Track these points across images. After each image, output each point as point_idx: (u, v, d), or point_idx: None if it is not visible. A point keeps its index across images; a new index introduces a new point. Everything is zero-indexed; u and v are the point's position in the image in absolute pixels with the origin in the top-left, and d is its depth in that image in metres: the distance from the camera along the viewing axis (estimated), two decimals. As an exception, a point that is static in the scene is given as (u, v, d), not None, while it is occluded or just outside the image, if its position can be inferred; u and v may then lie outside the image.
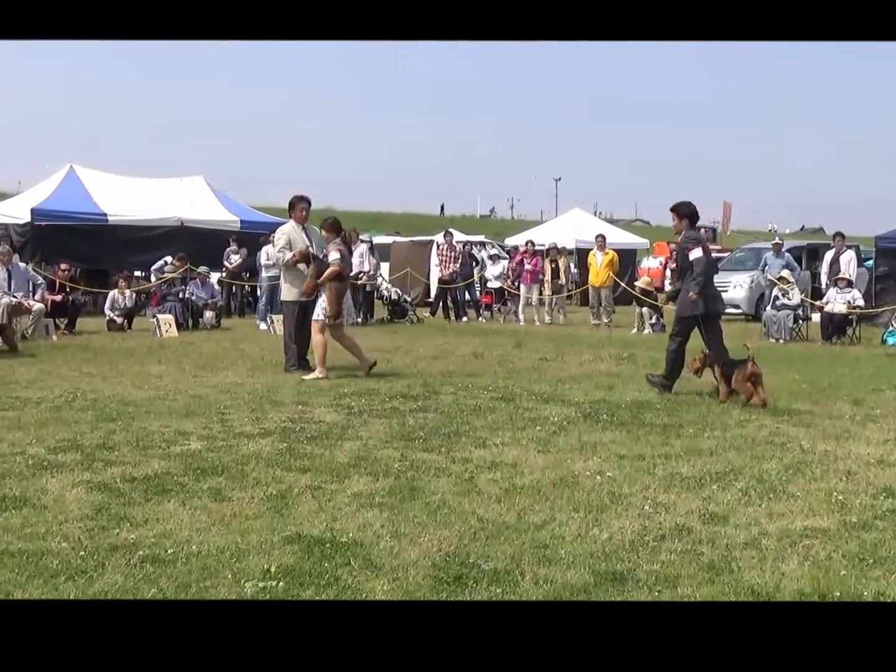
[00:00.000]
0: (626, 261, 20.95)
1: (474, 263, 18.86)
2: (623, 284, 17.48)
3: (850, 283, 13.86)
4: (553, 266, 17.40)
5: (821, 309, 13.90)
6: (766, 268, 15.71)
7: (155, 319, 13.51)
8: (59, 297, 13.56)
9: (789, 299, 13.82)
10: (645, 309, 15.39)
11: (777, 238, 19.45)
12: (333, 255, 8.41)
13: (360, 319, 15.96)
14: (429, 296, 19.65)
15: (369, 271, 16.46)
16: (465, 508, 4.08)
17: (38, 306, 12.20)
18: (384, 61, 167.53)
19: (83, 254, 17.06)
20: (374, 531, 3.73)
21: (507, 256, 20.74)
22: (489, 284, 18.99)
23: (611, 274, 16.35)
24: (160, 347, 11.27)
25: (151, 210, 17.97)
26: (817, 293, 15.60)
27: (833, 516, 4.02)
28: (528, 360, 10.25)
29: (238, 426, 5.96)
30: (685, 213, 7.80)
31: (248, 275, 17.24)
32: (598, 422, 6.25)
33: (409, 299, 17.45)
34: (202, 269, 15.78)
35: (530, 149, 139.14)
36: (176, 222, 17.84)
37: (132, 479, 4.51)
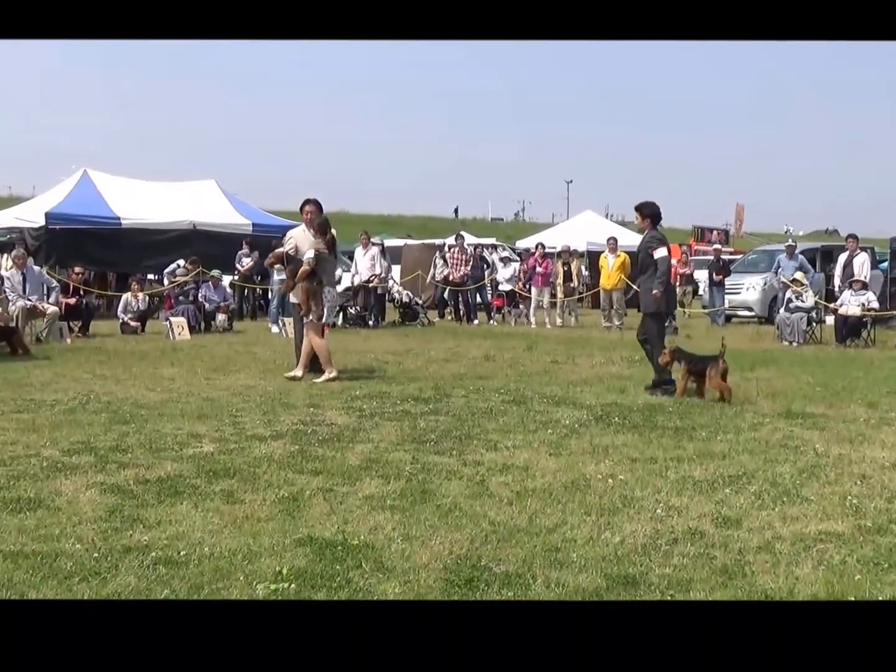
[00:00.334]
0: (638, 263, 20.86)
1: (485, 266, 18.86)
2: (635, 287, 17.42)
3: (864, 286, 13.76)
4: (565, 269, 17.37)
5: (835, 311, 13.80)
6: (780, 270, 15.62)
7: (168, 322, 13.58)
8: (73, 301, 13.65)
9: (803, 302, 13.74)
10: (657, 311, 15.32)
11: (790, 240, 19.34)
12: (308, 255, 8.42)
13: (371, 322, 16.03)
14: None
15: (381, 274, 16.48)
16: (476, 511, 4.07)
17: (52, 309, 12.29)
18: (391, 64, 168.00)
19: (97, 257, 17.23)
20: (386, 534, 3.73)
21: (518, 259, 20.73)
22: (500, 287, 18.98)
23: (622, 276, 16.30)
24: (173, 350, 11.32)
25: (164, 214, 18.10)
26: (831, 295, 15.50)
27: (847, 520, 3.99)
28: (539, 362, 10.24)
29: (250, 429, 5.98)
30: (648, 213, 8.13)
31: (259, 278, 17.31)
32: (609, 425, 6.23)
33: (420, 302, 17.47)
34: (214, 272, 15.86)
35: (542, 151, 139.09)
36: (188, 226, 17.96)
37: (145, 482, 4.54)
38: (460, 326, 16.80)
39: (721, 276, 17.80)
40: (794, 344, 13.16)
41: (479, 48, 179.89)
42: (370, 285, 16.26)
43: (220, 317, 15.02)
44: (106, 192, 18.11)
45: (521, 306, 17.92)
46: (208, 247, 17.17)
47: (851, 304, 13.39)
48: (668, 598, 3.10)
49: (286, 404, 7.00)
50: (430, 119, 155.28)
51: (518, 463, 5.03)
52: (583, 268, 19.29)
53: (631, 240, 23.99)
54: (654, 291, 7.83)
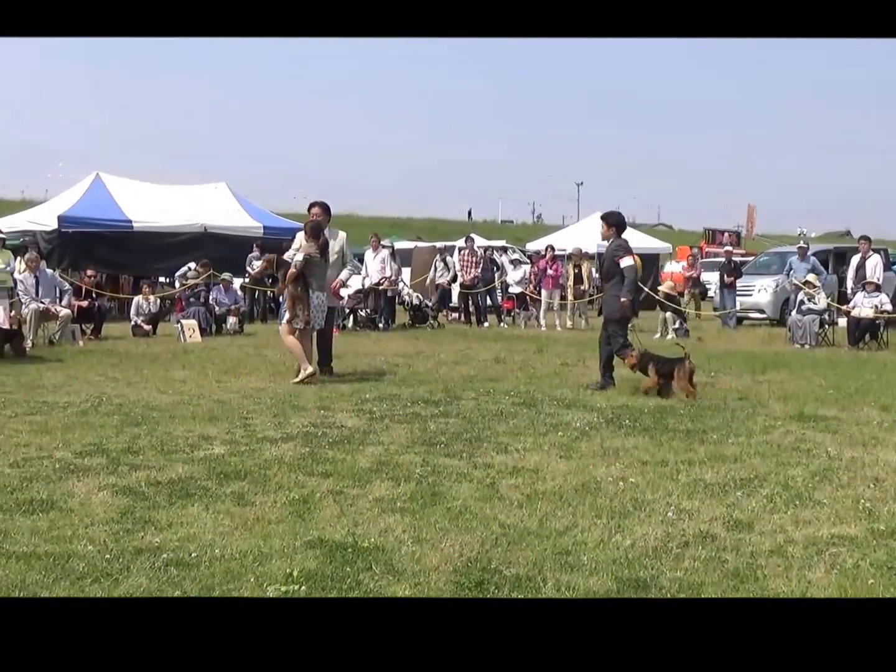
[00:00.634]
0: (649, 265, 20.83)
1: (495, 268, 18.85)
2: (646, 289, 17.36)
3: (877, 288, 13.67)
4: (575, 271, 17.33)
5: (847, 313, 13.71)
6: (791, 272, 15.54)
7: (179, 325, 13.64)
8: (85, 303, 13.74)
9: (815, 304, 13.66)
10: (668, 314, 15.29)
11: (802, 241, 19.25)
12: (296, 258, 8.46)
13: (381, 325, 16.04)
14: (450, 300, 19.66)
15: (391, 276, 16.50)
16: (486, 514, 4.07)
17: (64, 312, 12.37)
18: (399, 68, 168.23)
19: (109, 260, 17.33)
20: (396, 536, 3.73)
21: (529, 261, 20.70)
22: (510, 290, 18.97)
23: (633, 279, 16.24)
24: (184, 353, 11.37)
25: (175, 217, 18.19)
26: (844, 297, 15.40)
27: (860, 524, 3.96)
28: (549, 365, 10.22)
29: (261, 431, 5.99)
30: (613, 221, 8.52)
31: (270, 280, 17.36)
32: (620, 427, 6.21)
33: (430, 304, 17.48)
34: (225, 274, 15.93)
35: (552, 153, 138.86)
36: (200, 229, 18.04)
37: (157, 483, 4.56)
38: (470, 329, 16.80)
39: (732, 279, 17.72)
40: (807, 346, 13.07)
41: (487, 49, 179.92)
42: (380, 288, 16.28)
43: (231, 319, 15.07)
44: (118, 196, 18.22)
45: (531, 309, 17.90)
46: (219, 250, 17.25)
47: (864, 306, 13.30)
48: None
49: (296, 407, 7.02)
50: (432, 119, 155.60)
51: (528, 465, 5.02)
52: (593, 270, 19.26)
53: (641, 242, 24.05)
54: (623, 299, 8.09)
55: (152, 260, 17.53)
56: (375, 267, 16.51)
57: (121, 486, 4.49)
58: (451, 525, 3.90)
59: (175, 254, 17.19)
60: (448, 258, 19.18)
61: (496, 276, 18.62)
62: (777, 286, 17.56)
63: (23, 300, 12.28)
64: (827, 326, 13.79)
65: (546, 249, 18.07)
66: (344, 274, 9.06)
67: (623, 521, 3.97)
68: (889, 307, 13.52)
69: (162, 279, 18.12)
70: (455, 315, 18.00)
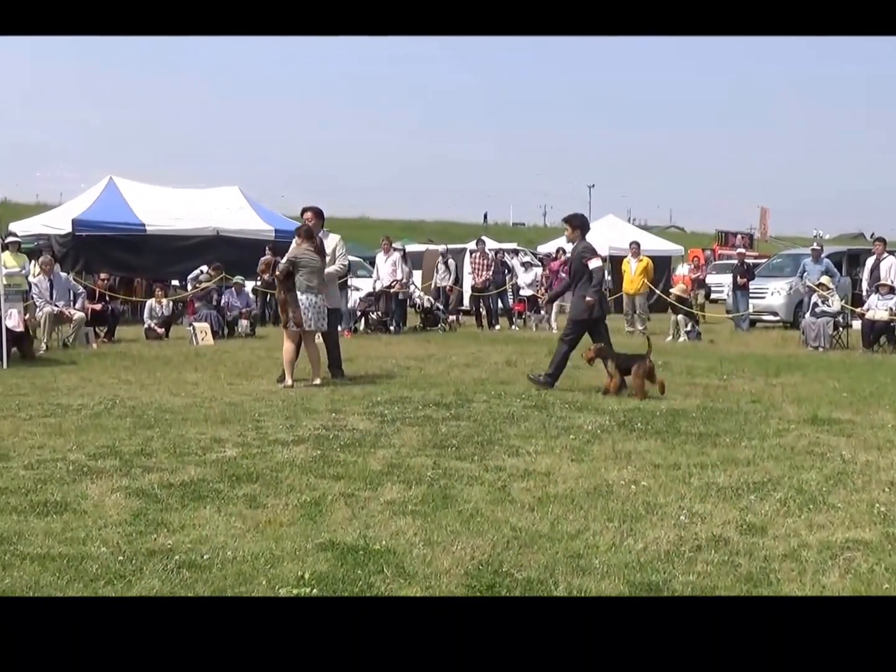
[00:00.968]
0: (661, 268, 20.73)
1: (507, 271, 18.83)
2: (658, 292, 17.32)
3: (892, 290, 13.56)
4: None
5: (861, 316, 13.60)
6: (805, 274, 15.45)
7: (191, 328, 13.72)
8: (98, 306, 13.83)
9: (829, 306, 13.57)
10: (680, 316, 15.23)
11: (815, 244, 19.12)
12: (281, 263, 8.55)
13: (392, 328, 16.06)
14: (461, 303, 19.65)
15: (402, 279, 16.52)
16: (498, 517, 4.06)
17: (78, 315, 12.46)
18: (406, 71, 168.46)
19: (122, 263, 17.44)
20: (407, 539, 3.73)
21: (540, 264, 20.67)
22: (522, 292, 18.95)
23: (645, 281, 16.21)
24: (196, 355, 11.42)
25: (188, 220, 18.29)
26: (858, 300, 15.28)
27: (875, 528, 3.93)
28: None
29: (272, 433, 6.01)
30: (577, 224, 8.76)
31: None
32: (632, 430, 6.19)
33: (441, 307, 17.48)
34: (237, 278, 16.00)
35: (563, 156, 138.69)
36: (212, 232, 18.13)
37: (169, 486, 4.58)
38: (482, 331, 16.79)
39: (745, 281, 17.63)
40: (820, 349, 12.99)
41: (495, 50, 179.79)
42: (392, 291, 16.30)
43: (243, 322, 15.14)
44: (131, 199, 18.35)
45: (542, 311, 17.87)
46: (231, 253, 17.34)
47: (879, 308, 13.20)
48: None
49: (308, 409, 7.03)
50: (439, 120, 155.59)
51: (540, 468, 5.01)
52: (605, 272, 19.19)
53: (653, 244, 23.94)
54: (589, 299, 8.30)
55: (165, 263, 17.64)
56: (387, 270, 16.53)
57: (134, 489, 4.51)
58: (462, 528, 3.89)
59: (187, 257, 17.27)
60: (450, 261, 19.19)
61: (507, 278, 18.61)
62: (790, 288, 17.46)
63: (37, 303, 12.39)
64: (841, 329, 13.69)
65: (557, 252, 18.05)
66: (331, 269, 9.03)
67: (635, 525, 3.95)
68: (904, 310, 13.40)
69: (175, 282, 18.22)
70: (454, 317, 17.94)
